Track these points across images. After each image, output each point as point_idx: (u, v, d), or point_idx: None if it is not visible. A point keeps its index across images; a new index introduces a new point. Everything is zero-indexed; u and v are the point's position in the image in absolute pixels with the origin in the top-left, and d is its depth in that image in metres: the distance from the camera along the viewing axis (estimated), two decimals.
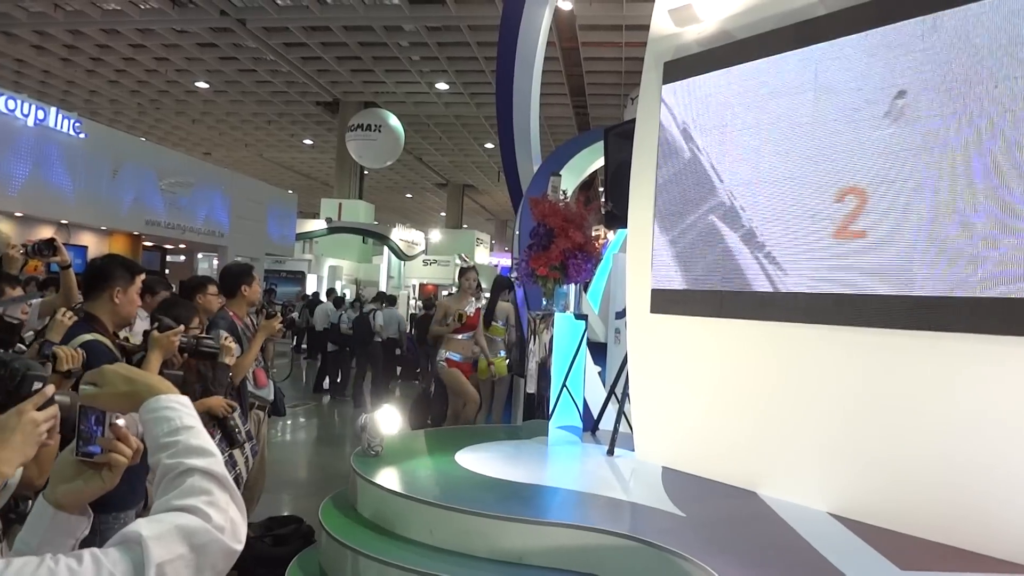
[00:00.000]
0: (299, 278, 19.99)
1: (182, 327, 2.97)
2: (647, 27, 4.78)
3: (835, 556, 2.83)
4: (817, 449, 3.62)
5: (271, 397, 4.71)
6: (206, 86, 19.99)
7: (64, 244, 3.92)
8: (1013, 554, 2.88)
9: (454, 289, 15.09)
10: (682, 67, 4.47)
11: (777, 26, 3.97)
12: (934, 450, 3.17)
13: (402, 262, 24.82)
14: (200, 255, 17.96)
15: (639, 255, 4.69)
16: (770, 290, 3.88)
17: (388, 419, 4.54)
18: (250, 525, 4.19)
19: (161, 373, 2.75)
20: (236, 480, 3.43)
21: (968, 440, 3.06)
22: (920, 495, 3.19)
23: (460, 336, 6.41)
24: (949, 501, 3.09)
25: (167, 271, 15.69)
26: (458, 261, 21.34)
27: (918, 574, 2.74)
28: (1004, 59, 3.05)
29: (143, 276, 3.05)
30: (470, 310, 6.44)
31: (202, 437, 1.17)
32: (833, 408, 3.56)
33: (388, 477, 3.96)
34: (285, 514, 5.03)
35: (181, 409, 1.20)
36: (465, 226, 33.72)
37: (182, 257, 17.93)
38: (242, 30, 15.45)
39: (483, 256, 29.48)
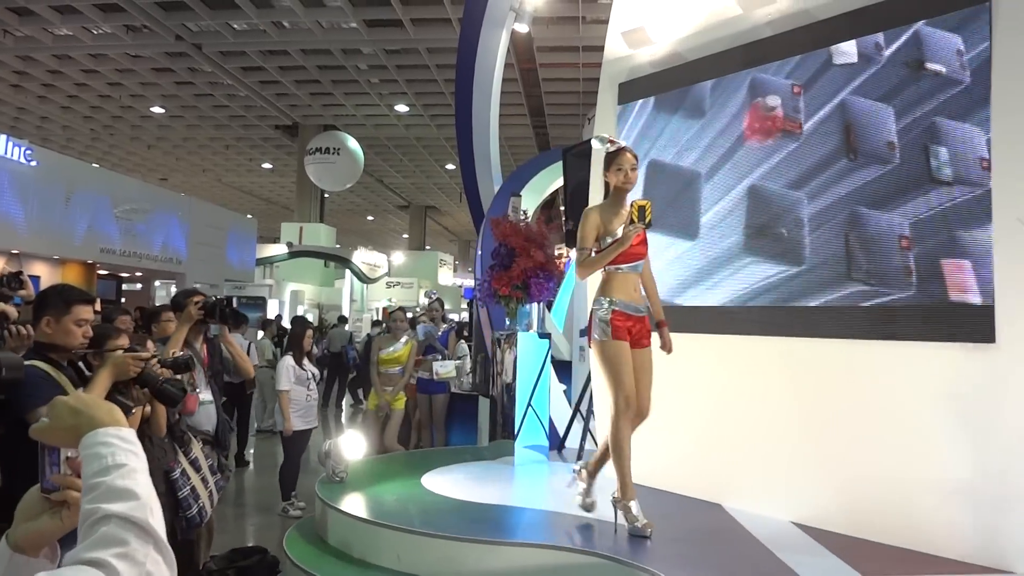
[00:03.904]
0: (260, 304, 19.76)
1: (149, 354, 2.60)
2: (603, 49, 4.86)
3: (799, 565, 2.87)
4: (779, 460, 3.67)
5: (210, 427, 4.11)
6: (162, 111, 19.73)
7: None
8: (967, 554, 2.96)
9: (417, 311, 15.04)
10: (636, 88, 4.55)
11: (727, 48, 4.07)
12: (891, 457, 3.24)
13: (365, 285, 24.66)
14: (158, 283, 17.60)
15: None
16: (728, 304, 3.95)
17: (352, 444, 4.49)
18: (212, 558, 4.11)
19: (114, 399, 2.56)
20: (199, 514, 3.36)
21: (922, 446, 3.14)
22: (879, 501, 3.26)
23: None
24: (906, 506, 3.16)
25: (123, 300, 15.34)
26: (423, 296, 21.35)
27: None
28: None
29: (88, 306, 2.85)
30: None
31: (133, 477, 1.03)
32: (793, 419, 3.62)
33: (354, 503, 3.92)
34: (249, 545, 4.92)
35: (117, 445, 1.07)
36: (428, 247, 33.64)
37: (139, 285, 17.56)
38: (198, 54, 15.32)
39: (447, 277, 29.42)
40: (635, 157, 3.48)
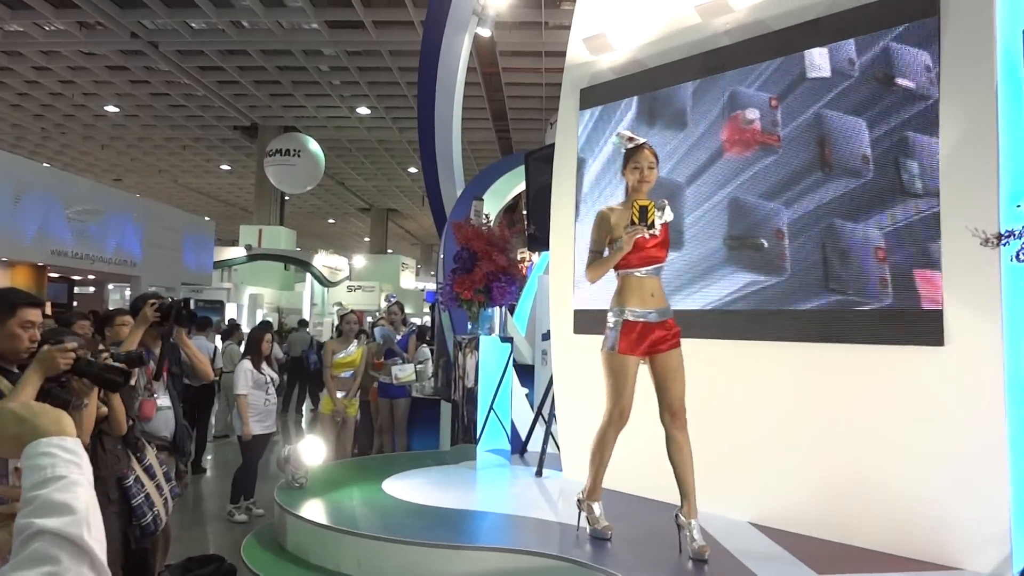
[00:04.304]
0: (218, 307, 19.43)
1: (75, 344, 2.49)
2: (565, 54, 4.90)
3: (756, 564, 2.92)
4: (736, 461, 3.73)
5: (167, 433, 4.02)
6: (116, 110, 19.30)
7: None
8: (918, 552, 3.05)
9: (377, 315, 14.94)
10: (597, 93, 4.60)
11: (686, 55, 4.14)
12: (845, 458, 3.32)
13: (326, 288, 24.40)
14: (111, 286, 17.19)
15: (561, 276, 4.76)
16: (688, 307, 4.00)
17: (312, 450, 4.44)
18: (168, 567, 4.03)
19: (48, 392, 2.45)
20: (154, 522, 3.29)
21: (875, 446, 3.22)
22: (833, 501, 3.34)
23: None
24: (860, 505, 3.23)
25: (75, 303, 14.95)
26: (384, 300, 21.23)
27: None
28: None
29: (35, 308, 2.74)
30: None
31: (72, 490, 0.98)
32: (748, 421, 3.68)
33: (313, 509, 3.87)
34: (206, 553, 4.83)
35: (58, 456, 1.02)
36: (390, 251, 33.43)
37: (91, 288, 17.13)
38: (154, 53, 15.03)
39: (409, 281, 29.27)
40: (654, 155, 3.27)
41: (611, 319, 3.22)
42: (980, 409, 2.93)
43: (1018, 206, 2.79)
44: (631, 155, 3.26)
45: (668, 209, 3.23)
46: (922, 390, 3.11)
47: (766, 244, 3.70)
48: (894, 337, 3.20)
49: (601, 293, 4.44)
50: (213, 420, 8.79)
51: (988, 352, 2.92)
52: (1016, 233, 2.66)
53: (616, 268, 3.20)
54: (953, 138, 3.07)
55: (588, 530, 3.30)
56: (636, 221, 3.08)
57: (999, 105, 2.96)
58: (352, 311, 7.19)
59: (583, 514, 3.37)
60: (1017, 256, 2.65)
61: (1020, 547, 2.82)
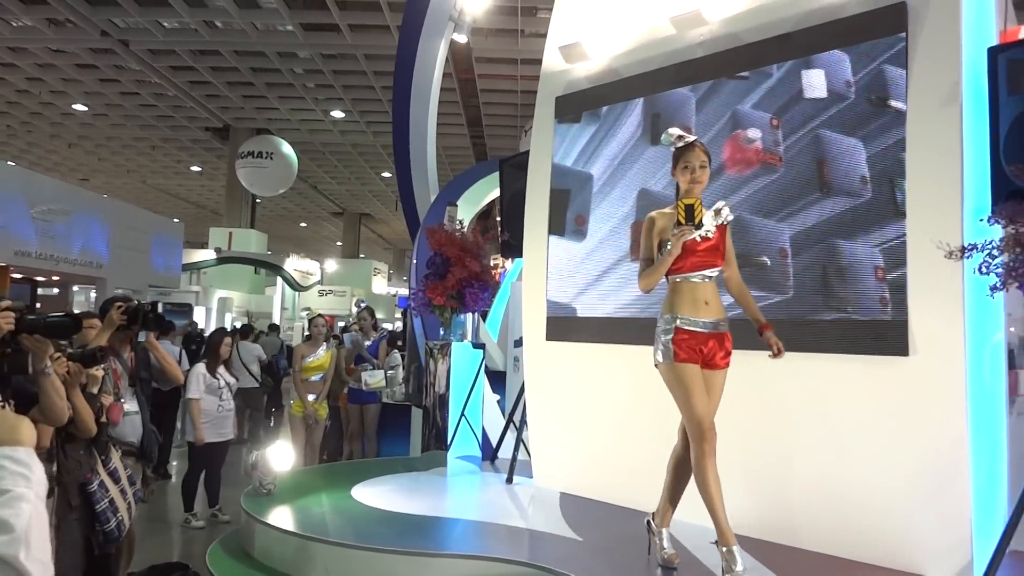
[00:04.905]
0: (186, 311, 19.15)
1: (8, 303, 2.42)
2: (541, 62, 4.92)
3: (720, 569, 2.93)
4: None
5: (135, 438, 3.94)
6: (84, 109, 18.97)
7: None
8: (880, 558, 3.10)
9: (350, 320, 14.84)
10: (573, 102, 4.62)
11: (661, 66, 4.18)
12: (809, 465, 3.36)
13: (297, 293, 24.18)
14: (76, 288, 16.86)
15: (534, 284, 4.77)
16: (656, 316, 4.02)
17: (280, 456, 4.39)
18: (131, 574, 3.95)
19: (6, 359, 2.37)
20: (118, 528, 3.22)
21: (839, 455, 3.26)
22: (797, 508, 3.37)
23: (313, 378, 6.50)
24: (824, 512, 3.27)
25: (39, 305, 14.63)
26: (355, 305, 21.17)
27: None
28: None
29: None
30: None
31: (15, 505, 0.94)
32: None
33: (281, 516, 3.83)
34: (170, 561, 4.74)
35: (6, 467, 0.98)
36: (362, 256, 33.23)
37: (55, 290, 16.79)
38: (125, 51, 14.81)
39: (381, 286, 29.11)
40: (706, 153, 3.04)
41: (661, 326, 3.01)
42: (943, 418, 2.98)
43: (981, 220, 2.85)
44: (681, 154, 3.05)
45: (727, 210, 3.03)
46: (887, 399, 3.16)
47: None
48: (860, 347, 3.25)
49: (574, 302, 4.47)
50: (179, 425, 8.64)
51: (951, 362, 2.97)
52: (979, 246, 2.72)
53: (667, 274, 2.99)
54: (920, 153, 3.13)
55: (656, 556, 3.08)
56: (683, 221, 2.88)
57: (964, 122, 3.03)
58: (321, 315, 7.19)
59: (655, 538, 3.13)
60: (980, 269, 2.71)
61: (981, 554, 2.87)
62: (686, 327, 2.95)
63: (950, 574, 2.93)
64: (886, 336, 3.17)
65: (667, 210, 3.08)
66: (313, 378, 6.52)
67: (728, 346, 3.00)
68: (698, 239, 2.94)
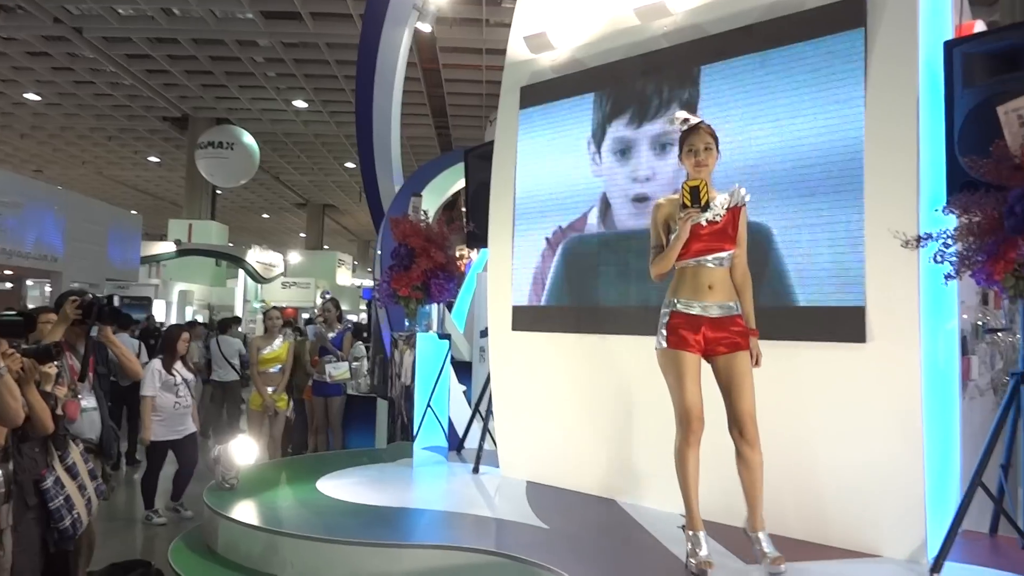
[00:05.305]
0: (145, 304, 18.81)
1: None
2: (506, 52, 4.90)
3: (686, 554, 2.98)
4: (668, 455, 3.79)
5: (93, 435, 3.87)
6: (37, 98, 18.45)
7: None
8: (837, 540, 3.18)
9: (315, 312, 14.69)
10: (538, 92, 4.62)
11: (625, 56, 4.19)
12: (771, 451, 3.41)
13: (259, 285, 23.88)
14: (30, 282, 16.43)
15: (500, 274, 4.77)
16: (620, 305, 4.06)
17: (243, 450, 4.34)
18: (90, 573, 3.87)
19: None
20: (73, 525, 3.16)
21: (799, 440, 3.33)
22: (768, 492, 3.43)
23: (271, 370, 6.48)
24: (787, 497, 3.33)
25: None
26: (319, 297, 20.99)
27: (760, 566, 2.94)
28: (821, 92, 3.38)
29: None
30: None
31: None
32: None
33: (244, 510, 3.78)
34: (131, 558, 4.66)
35: None
36: (326, 247, 32.91)
37: (8, 284, 16.34)
38: (78, 39, 14.43)
39: (345, 278, 28.87)
40: (712, 135, 2.93)
41: (662, 311, 2.95)
42: (899, 404, 3.06)
43: (936, 210, 2.92)
44: (685, 137, 2.94)
45: (741, 192, 2.93)
46: (845, 386, 3.23)
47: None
48: (818, 334, 3.31)
49: (539, 292, 4.48)
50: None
51: (907, 349, 3.05)
52: (934, 236, 2.78)
53: (677, 260, 2.90)
54: (877, 144, 3.19)
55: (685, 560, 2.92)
56: (688, 204, 2.77)
57: (920, 114, 3.10)
58: (275, 307, 7.17)
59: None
60: (935, 258, 2.77)
61: (934, 534, 2.96)
62: (681, 311, 2.89)
63: (905, 554, 3.02)
64: (844, 324, 3.23)
65: (674, 195, 2.99)
66: (271, 370, 6.49)
67: (735, 331, 2.89)
68: (704, 223, 2.86)
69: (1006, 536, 3.22)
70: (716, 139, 2.96)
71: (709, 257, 2.88)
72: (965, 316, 3.68)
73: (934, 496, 3.03)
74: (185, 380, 5.74)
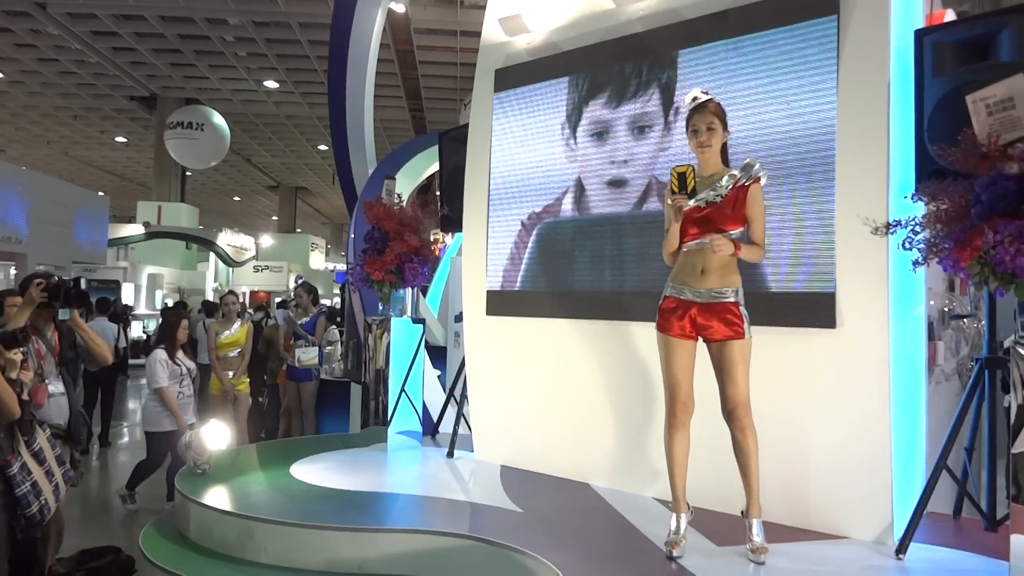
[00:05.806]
0: (113, 288, 18.51)
1: None
2: (481, 34, 4.86)
3: (660, 538, 3.02)
4: (641, 439, 3.84)
5: (61, 420, 3.83)
6: None
7: None
8: (806, 522, 3.24)
9: (289, 297, 14.57)
10: (513, 75, 4.59)
11: (601, 40, 4.18)
12: None
13: (231, 269, 23.59)
14: None
15: (474, 258, 4.76)
16: (594, 290, 4.07)
17: (215, 435, 4.30)
18: (60, 560, 3.83)
19: None
20: (41, 511, 3.12)
21: (772, 424, 3.37)
22: (732, 476, 3.47)
23: (230, 354, 6.44)
24: (762, 481, 3.38)
25: None
26: (292, 281, 20.83)
27: (732, 548, 2.99)
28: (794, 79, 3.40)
29: None
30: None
31: None
32: (654, 401, 3.79)
33: (216, 496, 3.76)
34: (101, 545, 4.61)
35: None
36: (299, 230, 32.58)
37: None
38: (42, 15, 14.04)
39: (318, 261, 28.63)
40: (717, 114, 2.88)
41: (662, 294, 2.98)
42: (868, 389, 3.11)
43: (905, 198, 2.96)
44: (690, 117, 2.89)
45: (754, 168, 2.86)
46: (815, 371, 3.28)
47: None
48: (789, 320, 3.35)
49: (514, 276, 4.48)
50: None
51: (876, 334, 3.10)
52: (903, 223, 2.82)
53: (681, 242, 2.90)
54: (848, 132, 3.22)
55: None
56: (676, 190, 2.77)
57: (890, 102, 3.13)
58: (232, 291, 7.07)
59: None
60: (903, 244, 2.81)
61: (900, 517, 3.02)
62: (672, 295, 2.92)
63: (872, 535, 3.08)
64: (815, 310, 3.27)
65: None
66: (230, 354, 6.42)
67: (730, 318, 2.87)
68: (703, 204, 2.85)
69: (969, 518, 3.31)
70: (723, 117, 2.92)
71: (705, 240, 2.87)
72: (932, 302, 3.75)
73: (900, 479, 3.10)
74: (189, 370, 5.65)
